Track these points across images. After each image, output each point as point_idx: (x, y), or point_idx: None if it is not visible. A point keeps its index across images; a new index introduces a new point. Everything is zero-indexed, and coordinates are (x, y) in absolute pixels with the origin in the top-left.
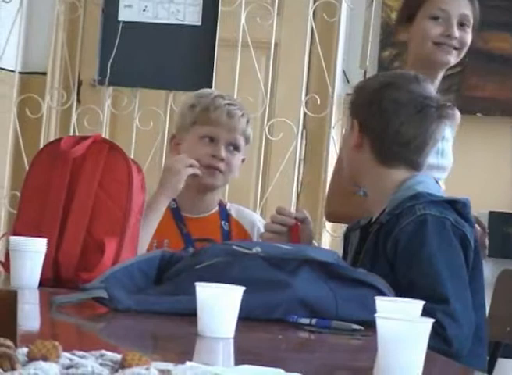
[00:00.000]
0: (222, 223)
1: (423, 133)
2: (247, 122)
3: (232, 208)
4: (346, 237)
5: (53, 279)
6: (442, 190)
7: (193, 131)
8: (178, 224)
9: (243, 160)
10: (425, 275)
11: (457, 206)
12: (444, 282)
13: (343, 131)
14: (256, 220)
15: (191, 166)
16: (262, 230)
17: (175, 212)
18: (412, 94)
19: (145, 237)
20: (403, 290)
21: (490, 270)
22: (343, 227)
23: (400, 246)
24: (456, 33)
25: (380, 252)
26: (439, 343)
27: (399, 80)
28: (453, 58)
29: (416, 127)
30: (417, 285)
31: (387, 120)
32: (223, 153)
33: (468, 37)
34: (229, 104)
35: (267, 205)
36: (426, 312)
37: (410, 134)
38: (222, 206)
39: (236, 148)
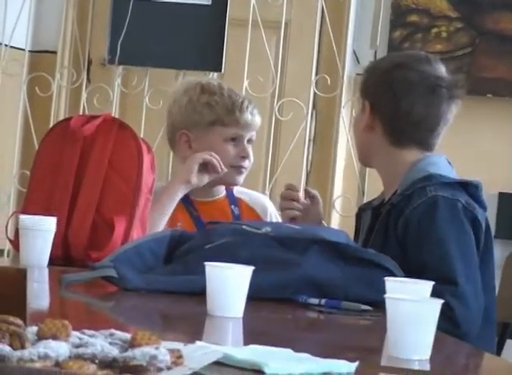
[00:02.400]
0: (232, 207)
1: (434, 113)
2: (258, 113)
3: (242, 193)
4: (358, 217)
5: (63, 258)
6: (454, 171)
7: (214, 131)
8: (188, 208)
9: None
10: (435, 256)
11: (469, 188)
12: (454, 264)
13: (353, 112)
14: (267, 205)
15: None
16: (275, 215)
17: (183, 198)
18: (423, 74)
19: (159, 222)
20: (412, 270)
21: (499, 252)
22: (352, 207)
23: (411, 227)
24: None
25: (391, 233)
26: (447, 324)
27: (410, 61)
28: None
29: (427, 107)
30: (427, 266)
31: (398, 100)
32: (249, 152)
33: None
34: (249, 102)
35: (276, 185)
36: (435, 293)
37: (421, 114)
38: (228, 190)
39: (251, 142)
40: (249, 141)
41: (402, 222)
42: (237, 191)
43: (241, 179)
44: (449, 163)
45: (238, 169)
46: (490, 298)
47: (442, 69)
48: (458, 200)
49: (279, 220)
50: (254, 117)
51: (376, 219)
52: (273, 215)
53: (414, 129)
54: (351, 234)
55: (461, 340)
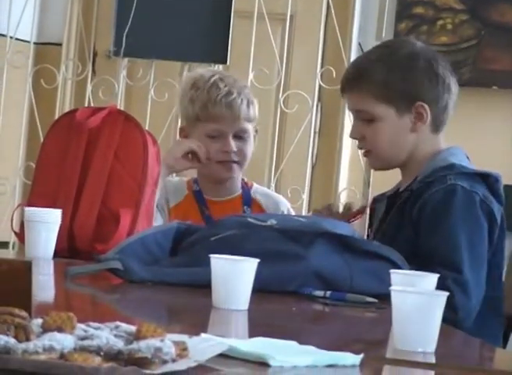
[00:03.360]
0: (245, 207)
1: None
2: (248, 103)
3: (259, 193)
4: (372, 208)
5: (68, 250)
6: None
7: (198, 128)
8: (200, 207)
9: (256, 131)
10: (445, 243)
11: (489, 180)
12: (462, 253)
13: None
14: (281, 205)
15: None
16: (288, 211)
17: (197, 195)
18: (439, 55)
19: None
20: (422, 254)
21: (506, 244)
22: (357, 200)
23: (426, 211)
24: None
25: (406, 216)
26: (446, 308)
27: (418, 46)
28: None
29: (452, 85)
30: (435, 252)
31: (448, 86)
32: (233, 145)
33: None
34: (226, 94)
35: (281, 178)
36: (438, 278)
37: (452, 83)
38: (245, 189)
39: (244, 134)
40: (237, 135)
41: (419, 205)
42: (255, 190)
43: (231, 174)
44: (467, 156)
45: (224, 164)
46: (498, 289)
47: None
48: (476, 192)
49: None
50: (231, 110)
51: (391, 207)
52: (285, 210)
53: (452, 100)
54: (361, 225)
55: (456, 326)
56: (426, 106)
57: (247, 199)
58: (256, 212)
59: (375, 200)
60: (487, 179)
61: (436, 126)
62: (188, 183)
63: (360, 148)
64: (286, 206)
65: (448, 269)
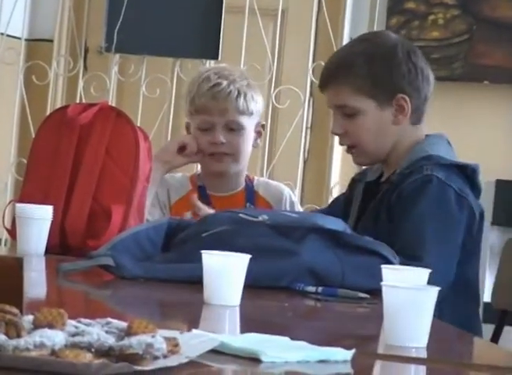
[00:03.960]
0: (248, 204)
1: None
2: (240, 95)
3: (260, 185)
4: (351, 186)
5: (60, 246)
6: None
7: (193, 121)
8: (203, 202)
9: (263, 126)
10: (411, 231)
11: (466, 171)
12: (425, 242)
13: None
14: (284, 191)
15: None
16: (290, 198)
17: (201, 191)
18: (414, 45)
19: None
20: (389, 240)
21: (497, 239)
22: None
23: (402, 198)
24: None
25: (384, 208)
26: None
27: (396, 40)
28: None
29: (430, 74)
30: (400, 238)
31: (427, 78)
32: (221, 137)
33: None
34: (213, 86)
35: (274, 173)
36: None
37: (429, 83)
38: (248, 183)
39: (236, 126)
40: (229, 126)
41: (395, 194)
42: (257, 184)
43: (224, 166)
44: (449, 143)
45: (214, 156)
46: (473, 274)
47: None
48: (450, 185)
49: (296, 208)
50: (217, 101)
51: (367, 195)
52: (288, 203)
53: (430, 92)
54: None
55: None
56: (407, 98)
57: (250, 194)
58: (260, 205)
59: (355, 180)
60: (464, 170)
61: (417, 118)
62: (191, 179)
63: (342, 144)
64: (288, 193)
65: (409, 257)
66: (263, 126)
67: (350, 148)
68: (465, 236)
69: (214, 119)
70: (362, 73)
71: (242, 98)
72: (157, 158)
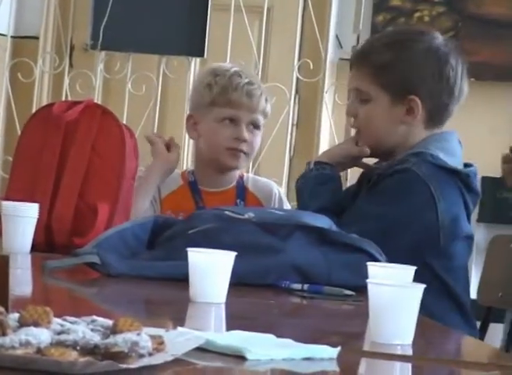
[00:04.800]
0: (238, 201)
1: (464, 80)
2: (266, 99)
3: (250, 181)
4: (360, 179)
5: (46, 244)
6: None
7: (212, 113)
8: (195, 197)
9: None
10: (358, 207)
11: (460, 176)
12: (360, 222)
13: (336, 97)
14: (273, 188)
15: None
16: (279, 195)
17: (192, 186)
18: (453, 55)
19: (139, 206)
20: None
21: (482, 235)
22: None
23: (375, 185)
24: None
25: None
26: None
27: (433, 41)
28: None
29: (462, 78)
30: (348, 211)
31: (451, 88)
32: (246, 134)
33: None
34: (247, 83)
35: (259, 170)
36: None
37: (463, 94)
38: (239, 180)
39: (257, 126)
40: (251, 125)
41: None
42: (246, 180)
43: (238, 163)
44: (459, 141)
45: (233, 151)
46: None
47: (441, 37)
48: (427, 183)
49: (284, 205)
50: (250, 98)
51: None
52: (277, 199)
53: (454, 105)
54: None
55: None
56: (419, 102)
57: (241, 191)
58: (250, 202)
59: (363, 174)
60: (458, 175)
61: (432, 123)
62: (183, 175)
63: (352, 127)
64: (277, 189)
65: (342, 224)
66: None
67: (357, 134)
68: (426, 239)
69: (242, 114)
70: (382, 63)
71: (268, 102)
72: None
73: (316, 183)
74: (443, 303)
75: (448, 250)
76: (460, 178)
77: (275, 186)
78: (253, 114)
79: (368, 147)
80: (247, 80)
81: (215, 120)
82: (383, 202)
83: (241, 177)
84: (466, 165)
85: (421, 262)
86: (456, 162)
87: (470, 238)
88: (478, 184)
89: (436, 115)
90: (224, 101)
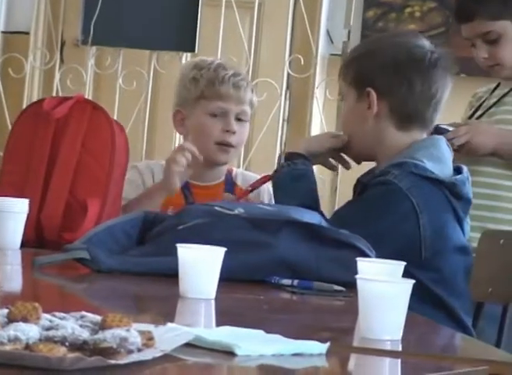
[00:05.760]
0: (226, 195)
1: (440, 87)
2: (252, 90)
3: (239, 176)
4: (354, 187)
5: (36, 240)
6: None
7: (199, 107)
8: (184, 192)
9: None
10: (340, 212)
11: (445, 185)
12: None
13: (327, 92)
14: (264, 186)
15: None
16: (268, 190)
17: None
18: (423, 49)
19: None
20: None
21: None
22: (325, 188)
23: (355, 196)
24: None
25: None
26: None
27: (406, 38)
28: None
29: (435, 82)
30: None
31: (409, 80)
32: (235, 126)
33: None
34: (233, 75)
35: (251, 165)
36: None
37: (431, 90)
38: (228, 175)
39: (245, 118)
40: (239, 117)
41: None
42: (236, 175)
43: (226, 158)
44: (448, 145)
45: (222, 146)
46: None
47: (428, 43)
48: (409, 198)
49: (273, 200)
50: (238, 90)
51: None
52: (266, 194)
53: (425, 108)
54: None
55: None
56: (374, 94)
57: (229, 186)
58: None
59: (357, 181)
60: (443, 184)
61: (402, 124)
62: None
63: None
64: (267, 184)
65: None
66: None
67: None
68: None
69: (230, 107)
70: (350, 59)
71: (254, 92)
72: (162, 186)
73: (289, 180)
74: (432, 312)
75: (433, 263)
76: (447, 187)
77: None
78: (241, 105)
79: (348, 148)
80: (232, 72)
81: (204, 113)
82: (365, 213)
83: (230, 172)
84: (456, 170)
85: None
86: (445, 168)
87: (463, 249)
88: (469, 191)
89: (403, 114)
90: (212, 94)
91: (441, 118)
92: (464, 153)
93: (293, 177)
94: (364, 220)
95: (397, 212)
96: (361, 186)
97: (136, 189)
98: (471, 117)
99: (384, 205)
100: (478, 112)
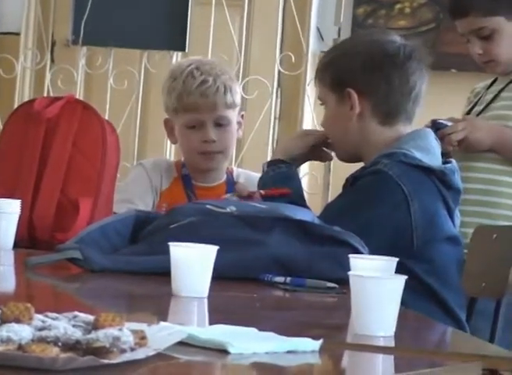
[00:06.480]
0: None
1: (418, 80)
2: (227, 89)
3: (240, 177)
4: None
5: (28, 240)
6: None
7: (177, 119)
8: (187, 192)
9: (242, 116)
10: (331, 204)
11: (436, 175)
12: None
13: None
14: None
15: None
16: None
17: (185, 179)
18: (395, 43)
19: None
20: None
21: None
22: (318, 185)
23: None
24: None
25: None
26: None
27: (377, 36)
28: None
29: (411, 75)
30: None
31: (388, 76)
32: (212, 135)
33: None
34: (201, 83)
35: (243, 163)
36: None
37: (410, 84)
38: (229, 175)
39: (225, 122)
40: (217, 122)
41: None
42: (237, 175)
43: (213, 164)
44: (436, 139)
45: (205, 155)
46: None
47: (398, 37)
48: (400, 185)
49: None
50: (207, 98)
51: None
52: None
53: (406, 101)
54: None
55: None
56: (355, 94)
57: (231, 186)
58: None
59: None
60: (433, 173)
61: (382, 117)
62: (176, 166)
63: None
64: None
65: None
66: (242, 115)
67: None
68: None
69: (203, 116)
70: (325, 64)
71: (228, 92)
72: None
73: (276, 182)
74: (425, 304)
75: (425, 252)
76: (436, 176)
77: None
78: (216, 112)
79: (339, 154)
80: (201, 79)
81: (182, 126)
82: (358, 203)
83: (230, 172)
84: (445, 162)
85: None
86: (433, 159)
87: (453, 239)
88: (458, 181)
89: (385, 110)
90: (182, 108)
91: (432, 113)
92: (462, 149)
93: (278, 180)
94: (356, 210)
95: (389, 201)
96: (352, 179)
97: (144, 187)
98: (469, 112)
99: (376, 194)
100: (476, 108)
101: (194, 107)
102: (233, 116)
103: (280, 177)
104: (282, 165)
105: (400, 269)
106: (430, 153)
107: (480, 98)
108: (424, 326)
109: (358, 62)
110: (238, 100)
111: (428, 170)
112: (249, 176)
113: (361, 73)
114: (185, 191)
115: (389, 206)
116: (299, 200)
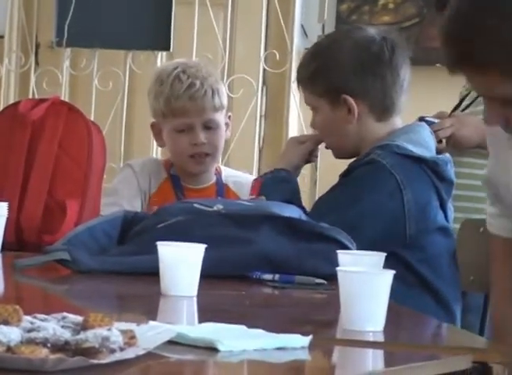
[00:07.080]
0: (219, 198)
1: (405, 67)
2: (215, 92)
3: (229, 178)
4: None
5: (16, 243)
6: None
7: (166, 123)
8: (177, 193)
9: (229, 117)
10: (325, 197)
11: (428, 165)
12: (325, 213)
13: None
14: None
15: None
16: None
17: (175, 180)
18: (375, 39)
19: None
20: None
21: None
22: (305, 183)
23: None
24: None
25: None
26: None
27: (357, 35)
28: None
29: (400, 66)
30: (319, 216)
31: (380, 75)
32: (202, 138)
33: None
34: (188, 86)
35: (229, 162)
36: None
37: (401, 77)
38: (218, 176)
39: (214, 125)
40: (206, 125)
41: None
42: (226, 175)
43: (202, 167)
44: (431, 132)
45: (195, 159)
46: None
47: (374, 30)
48: (393, 174)
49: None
50: (194, 102)
51: None
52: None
53: (399, 95)
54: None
55: None
56: (352, 100)
57: (220, 187)
58: (230, 198)
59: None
60: (425, 163)
61: (379, 114)
62: (165, 166)
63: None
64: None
65: (311, 214)
66: (229, 117)
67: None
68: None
69: (192, 120)
70: (311, 73)
71: (216, 95)
72: None
73: (273, 182)
74: (418, 294)
75: (418, 241)
76: (429, 166)
77: (251, 179)
78: (204, 115)
79: (334, 152)
80: (188, 82)
81: (171, 130)
82: (350, 194)
83: (219, 172)
84: (438, 153)
85: (389, 253)
86: (426, 152)
87: (445, 230)
88: (450, 172)
89: (383, 107)
90: (170, 112)
91: (417, 108)
92: (450, 146)
93: (277, 181)
94: (352, 199)
95: (384, 190)
96: (346, 170)
97: (132, 191)
98: (458, 106)
99: (370, 183)
100: (465, 102)
101: (183, 111)
102: (221, 118)
103: (279, 179)
104: (281, 171)
105: (392, 259)
106: (422, 146)
107: (470, 92)
108: (413, 320)
109: (348, 67)
110: (225, 102)
111: (420, 160)
112: (237, 178)
113: (354, 78)
114: (174, 191)
115: (384, 195)
116: (296, 201)
